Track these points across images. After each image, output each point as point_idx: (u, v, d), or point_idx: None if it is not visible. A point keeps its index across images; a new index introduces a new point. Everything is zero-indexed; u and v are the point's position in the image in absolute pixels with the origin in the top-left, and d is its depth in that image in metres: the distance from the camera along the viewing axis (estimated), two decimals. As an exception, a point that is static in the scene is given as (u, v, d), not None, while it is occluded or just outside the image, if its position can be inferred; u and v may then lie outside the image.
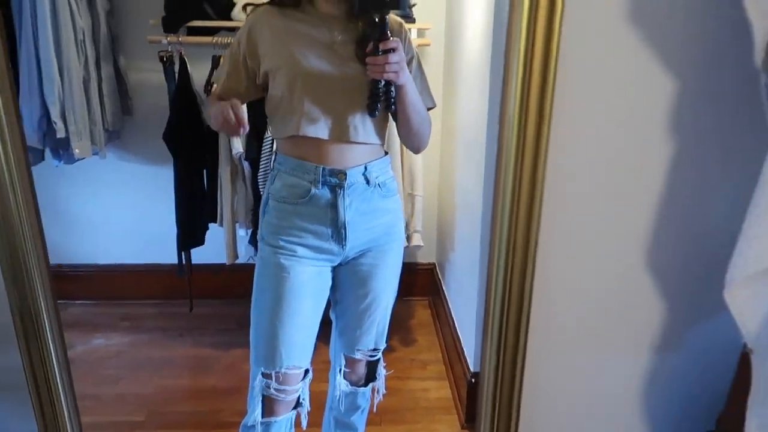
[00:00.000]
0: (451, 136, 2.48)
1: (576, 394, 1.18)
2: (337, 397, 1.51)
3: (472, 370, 1.95)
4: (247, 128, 1.27)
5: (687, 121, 1.03)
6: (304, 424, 1.41)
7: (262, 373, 1.33)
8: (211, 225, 2.49)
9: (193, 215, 2.44)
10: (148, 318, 2.77)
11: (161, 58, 2.33)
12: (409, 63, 1.34)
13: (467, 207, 2.11)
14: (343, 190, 1.31)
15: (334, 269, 1.41)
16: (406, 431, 2.00)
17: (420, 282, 2.91)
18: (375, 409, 1.61)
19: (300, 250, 1.33)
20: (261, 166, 2.26)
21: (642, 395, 1.18)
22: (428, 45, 2.54)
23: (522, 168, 0.89)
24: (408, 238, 2.40)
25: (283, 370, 1.32)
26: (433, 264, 2.93)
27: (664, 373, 1.17)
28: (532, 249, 0.95)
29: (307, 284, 1.34)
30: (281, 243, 1.33)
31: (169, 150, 2.33)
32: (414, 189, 2.40)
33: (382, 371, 1.55)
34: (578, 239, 1.08)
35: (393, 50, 1.18)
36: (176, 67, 2.32)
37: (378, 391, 1.57)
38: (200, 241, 2.50)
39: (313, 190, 1.31)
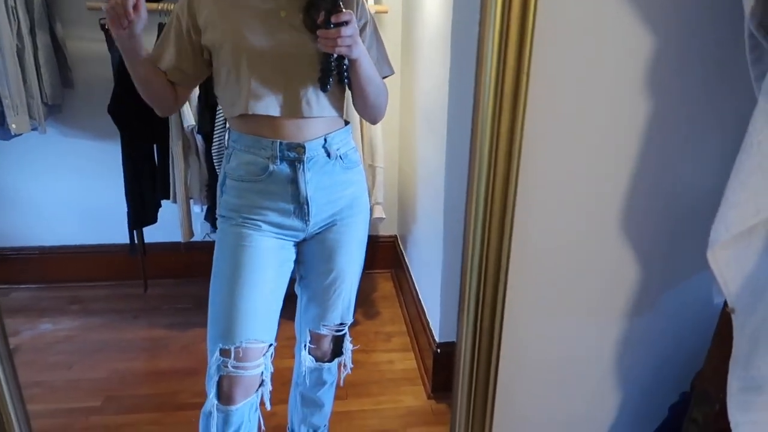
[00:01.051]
0: (410, 106, 2.45)
1: (552, 360, 1.18)
2: (303, 373, 1.48)
3: (438, 340, 1.95)
4: (134, 19, 1.11)
5: (667, 79, 1.00)
6: (268, 405, 1.33)
7: (221, 350, 1.23)
8: (164, 202, 2.39)
9: (144, 192, 2.33)
10: (100, 300, 2.66)
11: (103, 26, 2.19)
12: (362, 29, 1.28)
13: (429, 178, 2.08)
14: (303, 165, 1.26)
15: (298, 244, 1.37)
16: (373, 403, 1.99)
17: (382, 255, 2.89)
18: (342, 383, 1.59)
19: (262, 225, 1.28)
20: (215, 139, 2.17)
21: (616, 358, 1.19)
22: (385, 12, 2.47)
23: (499, 129, 0.86)
24: (370, 210, 2.36)
25: (243, 345, 1.22)
26: (395, 236, 2.91)
27: (638, 336, 1.18)
28: (509, 213, 0.93)
29: (269, 253, 1.28)
30: (241, 219, 1.27)
31: (116, 124, 2.21)
32: (374, 161, 2.36)
33: (348, 346, 1.52)
34: (555, 201, 1.06)
35: (346, 23, 1.12)
36: (120, 36, 2.19)
37: (345, 366, 1.54)
38: (152, 219, 2.40)
39: (271, 166, 1.25)
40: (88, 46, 2.39)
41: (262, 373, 1.30)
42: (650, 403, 1.24)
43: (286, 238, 1.32)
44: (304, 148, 1.25)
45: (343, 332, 1.48)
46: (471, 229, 0.94)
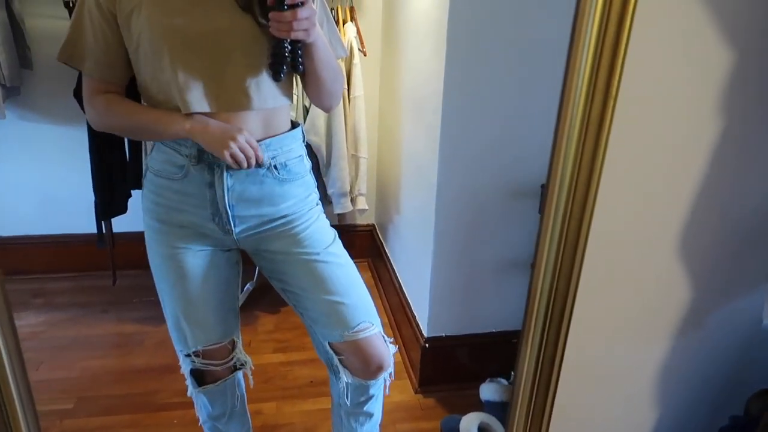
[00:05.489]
0: (393, 93, 2.38)
1: (607, 383, 1.14)
2: (342, 392, 1.29)
3: (426, 335, 1.93)
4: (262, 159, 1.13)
5: (744, 101, 0.96)
6: (252, 381, 1.38)
7: (184, 354, 1.26)
8: (135, 191, 2.27)
9: (114, 182, 2.20)
10: (65, 293, 2.53)
11: (66, 3, 2.04)
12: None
13: (417, 170, 2.03)
14: (221, 170, 1.12)
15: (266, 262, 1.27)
16: (360, 400, 1.95)
17: (359, 243, 2.84)
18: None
19: (181, 233, 1.18)
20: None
21: (660, 376, 1.16)
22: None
23: (584, 147, 0.81)
24: (353, 201, 2.31)
25: (200, 348, 1.23)
26: (373, 225, 2.86)
27: (683, 356, 1.15)
28: (582, 238, 0.89)
29: (198, 267, 1.20)
30: (161, 226, 1.19)
31: (83, 109, 2.06)
32: (358, 150, 2.30)
33: (391, 351, 1.29)
34: (626, 225, 1.02)
35: (302, 3, 1.00)
36: (85, 13, 2.04)
37: (390, 376, 1.32)
38: (122, 209, 2.28)
39: (188, 167, 1.13)
40: (49, 24, 2.23)
41: (235, 362, 1.31)
42: (695, 423, 1.22)
43: (208, 246, 1.21)
44: None
45: (376, 332, 1.24)
46: (544, 251, 0.91)
